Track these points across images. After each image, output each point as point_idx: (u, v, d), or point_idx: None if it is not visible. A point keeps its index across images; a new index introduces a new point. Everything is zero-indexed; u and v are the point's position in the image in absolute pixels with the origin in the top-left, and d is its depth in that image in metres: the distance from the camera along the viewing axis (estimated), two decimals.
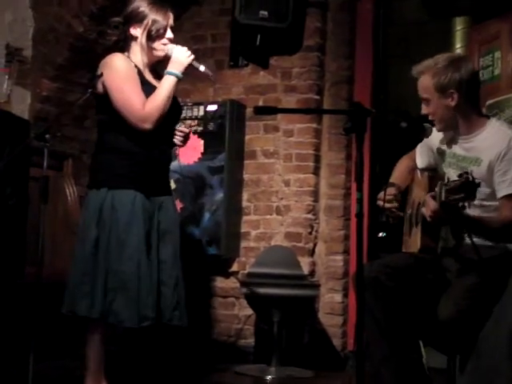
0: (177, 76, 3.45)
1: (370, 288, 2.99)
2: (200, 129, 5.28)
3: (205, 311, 5.35)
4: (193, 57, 3.49)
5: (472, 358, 2.95)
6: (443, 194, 2.76)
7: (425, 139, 3.40)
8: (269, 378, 4.51)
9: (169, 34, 3.51)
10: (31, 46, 5.07)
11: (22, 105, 4.95)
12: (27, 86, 5.02)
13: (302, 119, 5.20)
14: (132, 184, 3.39)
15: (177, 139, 3.66)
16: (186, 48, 3.49)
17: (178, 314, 3.45)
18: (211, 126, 5.25)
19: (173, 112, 3.54)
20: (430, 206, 2.89)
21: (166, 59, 3.50)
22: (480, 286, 3.02)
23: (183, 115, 5.25)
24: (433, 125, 3.20)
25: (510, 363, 2.77)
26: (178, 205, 5.21)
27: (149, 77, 3.53)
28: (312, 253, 5.19)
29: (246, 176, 5.36)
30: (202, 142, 5.26)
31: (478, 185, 2.68)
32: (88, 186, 3.49)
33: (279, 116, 5.25)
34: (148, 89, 3.43)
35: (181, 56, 3.46)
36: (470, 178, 2.66)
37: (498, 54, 4.61)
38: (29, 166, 4.31)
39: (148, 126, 3.38)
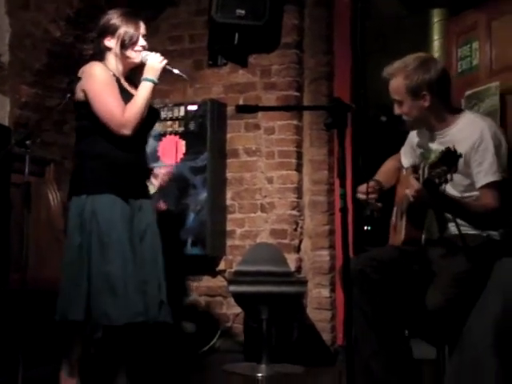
0: (153, 82, 3.60)
1: (356, 281, 3.00)
2: (181, 129, 5.28)
3: (193, 310, 5.35)
4: (166, 61, 3.64)
5: (456, 350, 2.97)
6: (426, 171, 2.80)
7: (407, 138, 3.46)
8: (259, 375, 4.51)
9: (141, 42, 3.65)
10: (8, 51, 5.03)
11: (1, 111, 4.92)
12: (6, 93, 4.99)
13: (283, 116, 5.21)
14: (110, 189, 3.49)
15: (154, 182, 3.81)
16: (158, 54, 3.64)
17: (164, 312, 3.55)
18: (192, 126, 5.25)
19: (149, 117, 3.65)
20: (413, 186, 2.92)
21: (141, 66, 3.64)
22: (466, 275, 3.05)
23: (164, 116, 5.28)
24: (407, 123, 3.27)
25: (495, 355, 2.79)
26: (162, 206, 5.22)
27: (125, 85, 3.66)
28: (298, 249, 5.20)
29: (229, 175, 5.37)
30: (183, 142, 5.25)
31: (460, 155, 2.71)
32: (69, 194, 3.57)
33: (260, 114, 5.26)
34: (126, 96, 3.56)
35: (155, 62, 3.60)
36: (452, 149, 2.69)
37: (475, 45, 4.62)
38: (10, 172, 4.29)
39: (127, 131, 3.50)
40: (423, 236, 3.22)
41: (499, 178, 3.05)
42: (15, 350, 3.27)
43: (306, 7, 5.32)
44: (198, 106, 5.26)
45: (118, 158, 3.53)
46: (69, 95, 3.50)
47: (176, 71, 3.67)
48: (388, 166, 3.66)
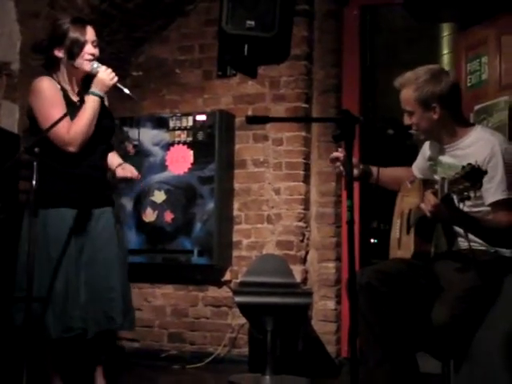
0: (99, 96, 3.56)
1: (362, 294, 3.00)
2: (189, 139, 5.28)
3: (198, 321, 5.34)
4: (116, 79, 3.59)
5: (465, 364, 2.96)
6: (446, 187, 2.79)
7: (421, 150, 3.46)
8: None
9: (89, 49, 3.58)
10: (19, 59, 5.05)
11: (10, 119, 4.93)
12: (15, 100, 5.00)
13: (291, 128, 5.22)
14: (62, 202, 3.54)
15: (119, 172, 3.80)
16: (110, 70, 3.58)
17: (129, 319, 3.64)
18: (200, 136, 5.26)
19: (104, 128, 3.66)
20: (430, 202, 2.91)
21: (92, 75, 3.60)
22: (474, 291, 3.04)
23: (173, 126, 5.30)
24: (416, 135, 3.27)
25: (506, 369, 2.78)
26: (169, 215, 5.22)
27: (75, 97, 3.63)
28: (304, 261, 5.19)
29: (236, 185, 5.37)
30: (191, 152, 5.26)
31: (486, 172, 2.70)
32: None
33: (268, 125, 5.26)
34: (73, 110, 3.53)
35: (105, 77, 3.56)
36: (476, 166, 2.68)
37: (484, 59, 4.63)
38: (18, 179, 4.30)
39: (73, 149, 3.51)
40: (432, 250, 3.22)
41: (508, 196, 3.04)
42: (20, 362, 3.27)
43: (316, 19, 5.33)
44: (207, 117, 5.27)
45: (71, 172, 3.55)
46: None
47: (126, 91, 3.61)
48: (399, 170, 3.66)
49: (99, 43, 3.67)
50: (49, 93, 3.51)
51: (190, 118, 5.31)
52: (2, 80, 4.96)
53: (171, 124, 5.32)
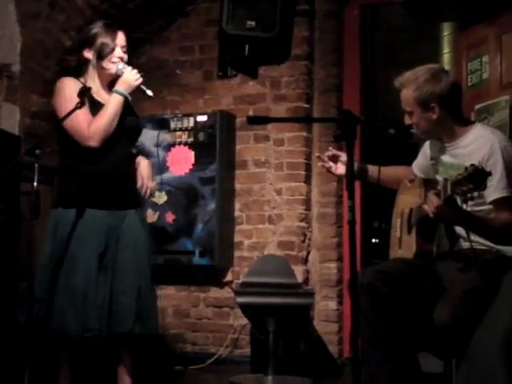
0: (123, 95, 3.60)
1: (365, 294, 3.00)
2: (190, 140, 5.28)
3: (200, 321, 5.34)
4: (141, 80, 3.63)
5: (464, 363, 2.96)
6: (449, 188, 2.78)
7: (422, 149, 3.46)
8: None
9: (118, 53, 3.66)
10: (19, 61, 5.05)
11: (11, 121, 4.93)
12: (16, 102, 5.00)
13: (292, 128, 5.21)
14: (88, 202, 3.56)
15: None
16: (136, 71, 3.64)
17: (140, 322, 3.59)
18: (201, 137, 5.25)
19: (129, 128, 3.70)
20: (433, 203, 2.90)
21: (118, 77, 3.66)
22: (476, 291, 3.03)
23: (174, 126, 5.30)
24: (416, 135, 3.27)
25: (505, 369, 2.78)
26: (171, 216, 5.22)
27: (104, 97, 3.66)
28: (305, 261, 5.19)
29: (237, 186, 5.37)
30: (192, 153, 5.26)
31: (489, 173, 2.69)
32: (52, 206, 3.68)
33: (269, 125, 5.26)
34: (97, 108, 3.58)
35: (130, 77, 3.61)
36: (480, 167, 2.67)
37: (485, 59, 4.63)
38: (19, 181, 4.30)
39: (93, 143, 3.54)
40: (434, 249, 3.21)
41: (508, 194, 3.03)
42: (22, 361, 3.27)
43: (316, 19, 5.33)
44: (208, 117, 5.27)
45: (94, 172, 3.57)
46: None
47: (149, 93, 3.64)
48: (399, 169, 3.66)
49: (128, 49, 3.75)
50: (68, 90, 3.55)
51: (191, 119, 5.30)
52: (3, 82, 4.96)
53: (172, 125, 5.31)
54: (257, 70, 4.69)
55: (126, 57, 3.69)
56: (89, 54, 3.64)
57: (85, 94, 3.37)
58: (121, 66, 3.63)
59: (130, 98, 3.65)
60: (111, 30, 3.66)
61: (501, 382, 2.80)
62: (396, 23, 6.79)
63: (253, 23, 4.10)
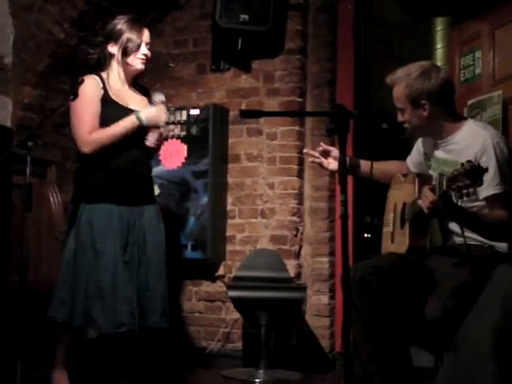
0: (141, 122, 3.62)
1: (356, 288, 3.00)
2: (183, 133, 5.27)
3: (191, 315, 5.34)
4: (165, 124, 3.76)
5: (450, 354, 2.97)
6: (444, 184, 2.78)
7: (415, 145, 3.46)
8: (257, 381, 4.50)
9: (144, 50, 3.69)
10: (12, 53, 5.04)
11: (3, 112, 4.92)
12: (8, 94, 4.99)
13: (285, 122, 5.20)
14: (107, 197, 3.60)
15: (149, 141, 3.77)
16: (166, 111, 3.73)
17: (165, 318, 3.66)
18: (194, 131, 5.25)
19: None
20: (428, 198, 2.89)
21: (141, 73, 3.75)
22: (468, 286, 3.04)
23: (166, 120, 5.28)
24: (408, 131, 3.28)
25: (494, 360, 2.78)
26: (163, 210, 5.21)
27: (124, 94, 3.70)
28: (298, 255, 5.19)
29: (230, 180, 5.36)
30: (185, 146, 5.25)
31: (486, 170, 2.69)
32: (71, 200, 3.72)
33: (262, 119, 5.25)
34: (113, 110, 3.62)
35: (159, 116, 3.68)
36: (477, 164, 2.68)
37: (478, 54, 4.63)
38: (12, 173, 4.29)
39: (87, 150, 3.58)
40: (427, 244, 3.22)
41: (501, 190, 3.04)
42: (14, 352, 3.27)
43: (310, 13, 5.31)
44: (201, 111, 5.25)
45: (115, 168, 3.62)
46: (71, 97, 3.52)
47: (161, 130, 3.76)
48: (392, 164, 3.66)
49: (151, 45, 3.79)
50: (85, 92, 3.53)
51: (184, 112, 5.29)
52: None
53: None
54: (250, 63, 4.69)
55: (149, 53, 3.73)
56: (113, 49, 3.66)
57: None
58: (161, 97, 3.73)
59: (145, 125, 3.66)
60: (137, 26, 3.69)
61: (490, 370, 2.80)
62: (390, 18, 6.78)
63: (246, 17, 4.11)
